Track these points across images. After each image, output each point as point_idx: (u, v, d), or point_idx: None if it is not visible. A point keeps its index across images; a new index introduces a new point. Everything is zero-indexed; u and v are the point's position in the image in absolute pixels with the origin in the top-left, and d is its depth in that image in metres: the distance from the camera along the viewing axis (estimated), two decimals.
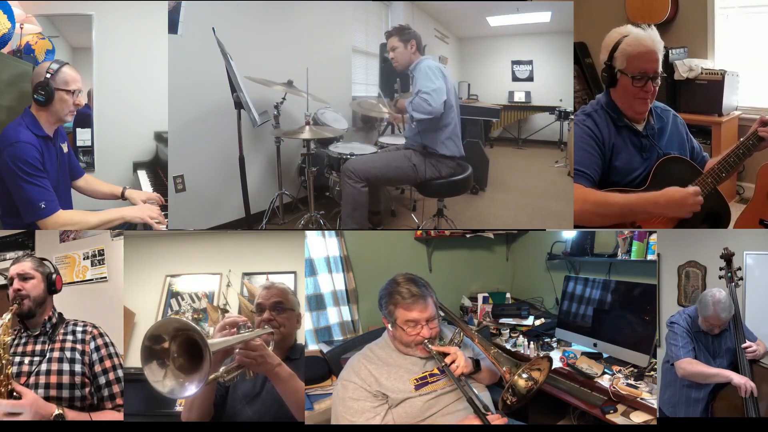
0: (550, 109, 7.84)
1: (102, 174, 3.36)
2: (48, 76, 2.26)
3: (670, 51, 4.10)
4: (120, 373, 1.94)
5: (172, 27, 3.15)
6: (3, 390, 1.71)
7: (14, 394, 1.71)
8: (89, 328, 1.97)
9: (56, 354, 1.86)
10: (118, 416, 1.88)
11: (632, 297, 2.65)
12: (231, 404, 1.80)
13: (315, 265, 3.22)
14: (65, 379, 1.82)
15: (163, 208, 2.75)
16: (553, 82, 7.99)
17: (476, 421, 1.65)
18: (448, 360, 1.78)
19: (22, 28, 3.24)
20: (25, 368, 1.82)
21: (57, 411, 1.73)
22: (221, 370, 1.56)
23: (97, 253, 3.02)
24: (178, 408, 2.64)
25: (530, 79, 8.57)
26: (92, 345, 1.93)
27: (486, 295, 3.55)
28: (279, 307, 1.90)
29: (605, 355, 2.65)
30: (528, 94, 8.56)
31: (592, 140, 2.09)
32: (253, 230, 3.51)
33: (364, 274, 3.38)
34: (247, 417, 1.77)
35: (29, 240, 3.05)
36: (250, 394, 1.81)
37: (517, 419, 2.03)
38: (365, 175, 3.09)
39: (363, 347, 1.98)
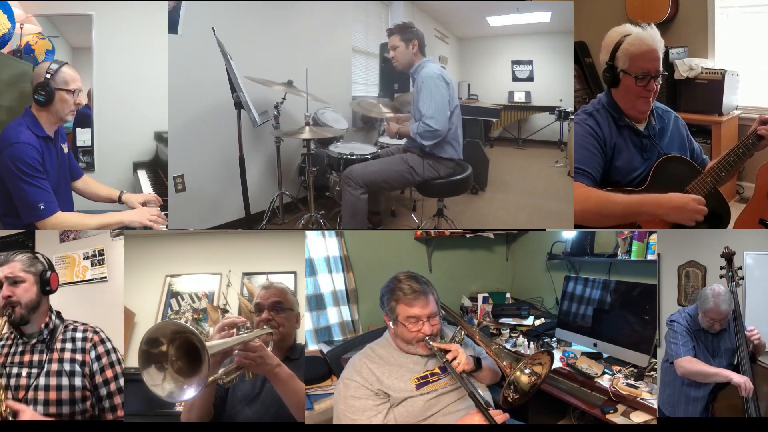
0: (550, 109, 7.84)
1: (102, 174, 3.36)
2: (48, 76, 2.26)
3: (670, 50, 4.10)
4: (121, 382, 1.85)
5: (172, 27, 3.14)
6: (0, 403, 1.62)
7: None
8: (89, 334, 1.85)
9: (55, 366, 1.76)
10: None
11: (632, 297, 2.65)
12: (231, 405, 1.80)
13: (315, 265, 3.22)
14: (65, 395, 1.74)
15: (163, 208, 2.75)
16: (553, 82, 7.99)
17: (478, 416, 1.65)
18: (449, 357, 1.78)
19: (22, 28, 3.25)
20: (23, 381, 1.73)
21: None
22: (220, 372, 1.55)
23: (97, 253, 3.02)
24: (178, 408, 2.64)
25: (530, 79, 8.57)
26: (93, 354, 1.81)
27: (486, 295, 3.55)
28: (278, 307, 1.89)
29: (605, 355, 2.65)
30: (528, 94, 8.56)
31: (593, 139, 2.09)
32: (253, 230, 3.51)
33: (364, 274, 3.38)
34: (247, 417, 1.77)
35: (29, 240, 3.06)
36: (250, 394, 1.81)
37: (517, 419, 2.03)
38: (363, 181, 3.08)
39: (364, 347, 1.97)
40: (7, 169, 2.20)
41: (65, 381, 1.75)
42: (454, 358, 1.78)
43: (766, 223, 2.59)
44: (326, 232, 3.29)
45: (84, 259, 3.04)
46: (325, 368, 2.77)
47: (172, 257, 3.35)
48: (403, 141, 3.48)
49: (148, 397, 1.63)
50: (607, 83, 2.13)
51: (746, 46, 4.11)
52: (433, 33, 7.07)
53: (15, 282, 1.78)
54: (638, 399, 2.20)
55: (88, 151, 3.61)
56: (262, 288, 1.96)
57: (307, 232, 3.21)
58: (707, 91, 4.05)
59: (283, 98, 3.51)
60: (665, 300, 3.13)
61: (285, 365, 1.65)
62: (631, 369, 2.44)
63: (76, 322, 1.91)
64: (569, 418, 2.66)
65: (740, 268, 2.39)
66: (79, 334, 1.84)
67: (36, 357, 1.77)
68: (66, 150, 2.54)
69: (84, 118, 3.56)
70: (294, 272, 3.25)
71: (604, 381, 2.38)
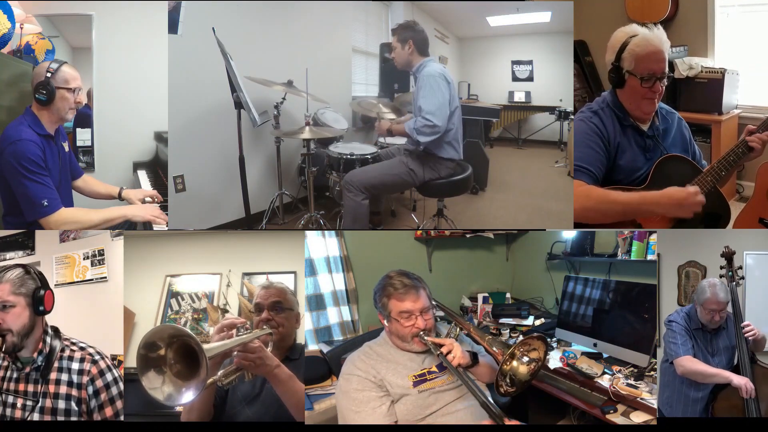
0: (550, 109, 7.85)
1: (102, 174, 3.36)
2: (48, 75, 2.27)
3: (670, 49, 4.09)
4: (122, 418, 1.75)
5: (172, 27, 3.15)
6: None
7: None
8: (87, 366, 1.70)
9: (49, 403, 1.64)
10: None
11: (632, 297, 2.64)
12: (231, 405, 1.80)
13: (315, 265, 3.21)
14: None
15: (163, 207, 2.75)
16: (553, 82, 7.99)
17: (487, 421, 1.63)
18: (444, 350, 1.78)
19: (22, 28, 3.25)
20: (18, 413, 1.63)
21: None
22: (219, 373, 1.55)
23: (97, 253, 3.02)
24: (178, 408, 2.63)
25: (530, 79, 8.58)
26: (90, 390, 1.68)
27: (486, 295, 3.55)
28: (277, 307, 1.89)
29: (605, 355, 2.65)
30: (528, 94, 8.56)
31: (598, 138, 2.09)
32: (253, 230, 3.51)
33: (364, 274, 3.37)
34: (247, 418, 1.77)
35: (29, 240, 3.06)
36: (250, 395, 1.81)
37: (517, 419, 2.03)
38: (363, 186, 3.07)
39: (362, 346, 1.98)
40: (10, 166, 2.21)
41: (60, 419, 1.65)
42: (449, 352, 1.78)
43: (766, 222, 2.59)
44: (326, 232, 3.29)
45: (84, 259, 3.04)
46: (325, 368, 2.77)
47: (172, 257, 3.35)
48: (403, 141, 3.48)
49: (148, 397, 1.62)
50: (613, 84, 2.13)
51: (746, 45, 4.10)
52: (433, 33, 7.07)
53: (4, 307, 1.64)
54: (638, 399, 2.20)
55: (88, 151, 3.61)
56: (262, 288, 1.96)
57: (307, 232, 3.21)
58: (707, 91, 4.05)
59: (283, 98, 3.51)
60: (665, 300, 3.13)
61: (285, 366, 1.65)
62: (631, 369, 2.44)
63: (73, 344, 1.77)
64: (569, 418, 2.66)
65: (740, 267, 2.38)
66: (75, 365, 1.70)
67: (30, 387, 1.66)
68: (66, 149, 2.55)
69: (84, 118, 3.56)
70: (294, 272, 3.25)
71: (604, 381, 2.38)
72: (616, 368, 2.47)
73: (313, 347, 3.07)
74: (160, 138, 3.67)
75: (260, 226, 3.68)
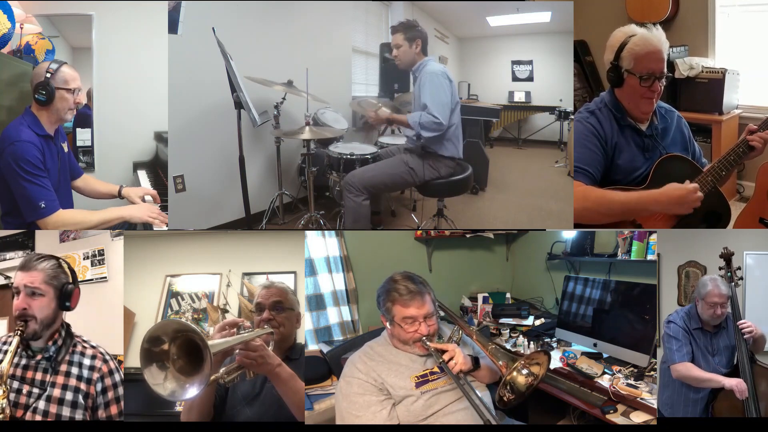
0: (550, 109, 7.85)
1: (102, 174, 3.36)
2: (48, 75, 2.27)
3: (670, 49, 4.09)
4: (122, 418, 1.75)
5: (172, 27, 3.15)
6: None
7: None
8: (98, 363, 1.72)
9: (57, 393, 1.64)
10: None
11: (632, 297, 2.64)
12: (231, 405, 1.80)
13: (315, 265, 3.21)
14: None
15: (162, 207, 2.75)
16: (553, 82, 7.99)
17: None
18: (446, 357, 1.77)
19: (22, 28, 3.25)
20: (23, 399, 1.63)
21: None
22: (221, 371, 1.56)
23: (97, 253, 3.02)
24: (178, 408, 2.64)
25: (530, 79, 8.58)
26: (99, 387, 1.69)
27: (486, 295, 3.54)
28: (278, 307, 1.90)
29: (605, 355, 2.65)
30: (528, 94, 8.56)
31: (595, 138, 2.09)
32: (253, 230, 3.51)
33: (364, 274, 3.37)
34: (247, 417, 1.77)
35: (29, 240, 3.05)
36: (250, 394, 1.81)
37: (517, 419, 2.03)
38: (364, 186, 3.07)
39: (363, 346, 1.97)
40: (9, 167, 2.21)
41: (65, 411, 1.65)
42: (451, 359, 1.77)
43: (766, 222, 2.59)
44: (326, 232, 3.29)
45: (84, 259, 3.03)
46: (325, 368, 2.77)
47: (172, 257, 3.35)
48: (403, 140, 3.48)
49: (148, 397, 1.62)
50: (611, 83, 2.13)
51: (746, 45, 4.11)
52: (433, 33, 7.07)
53: (33, 293, 1.66)
54: (638, 399, 2.20)
55: (88, 151, 3.61)
56: (263, 287, 1.96)
57: (307, 232, 3.21)
58: (708, 90, 4.05)
59: (283, 98, 3.52)
60: (665, 300, 3.13)
61: (285, 365, 1.65)
62: (631, 369, 2.44)
63: (85, 342, 1.80)
64: (569, 418, 2.66)
65: (739, 268, 2.38)
66: (87, 361, 1.72)
67: (39, 376, 1.66)
68: (66, 149, 2.55)
69: (84, 118, 3.56)
70: (294, 272, 3.25)
71: (604, 381, 2.37)
72: (616, 368, 2.47)
73: (313, 347, 3.07)
74: (160, 138, 3.67)
75: (260, 226, 3.68)
